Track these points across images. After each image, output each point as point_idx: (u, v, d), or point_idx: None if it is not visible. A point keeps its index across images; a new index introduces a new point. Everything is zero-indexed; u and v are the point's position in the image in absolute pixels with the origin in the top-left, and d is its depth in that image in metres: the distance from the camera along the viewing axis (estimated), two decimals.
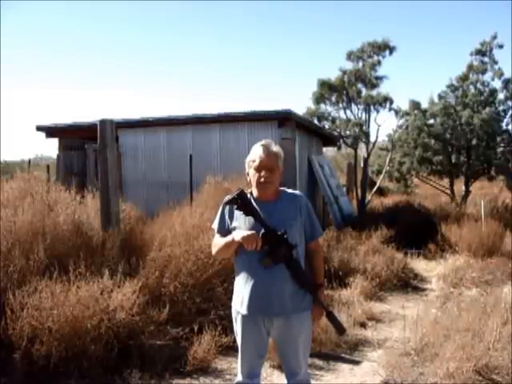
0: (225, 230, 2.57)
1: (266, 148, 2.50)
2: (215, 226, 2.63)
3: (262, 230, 2.41)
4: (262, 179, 2.47)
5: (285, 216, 2.50)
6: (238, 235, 2.43)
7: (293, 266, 2.45)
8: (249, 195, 2.54)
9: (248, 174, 2.57)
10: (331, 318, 2.57)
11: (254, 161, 2.50)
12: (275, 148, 2.54)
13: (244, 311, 2.52)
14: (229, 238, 2.49)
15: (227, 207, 2.57)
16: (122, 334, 3.85)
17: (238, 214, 2.52)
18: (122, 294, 3.91)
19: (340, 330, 2.61)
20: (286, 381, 2.67)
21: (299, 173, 10.30)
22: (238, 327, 2.61)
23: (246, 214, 2.46)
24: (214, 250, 2.63)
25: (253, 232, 2.39)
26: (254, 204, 2.50)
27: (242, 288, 2.54)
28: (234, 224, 2.52)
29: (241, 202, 2.47)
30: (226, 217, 2.57)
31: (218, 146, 9.67)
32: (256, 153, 2.51)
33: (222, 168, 8.90)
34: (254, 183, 2.52)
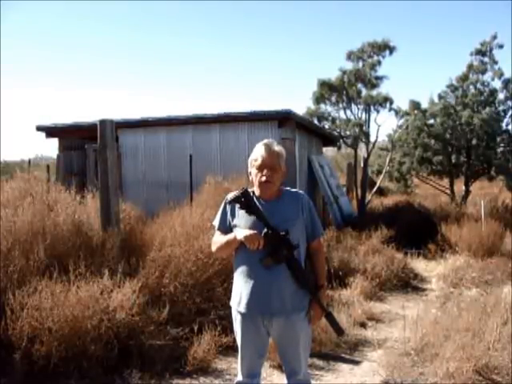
0: (226, 228, 2.57)
1: (268, 147, 2.51)
2: (216, 222, 2.63)
3: (264, 230, 2.41)
4: (264, 178, 2.47)
5: (286, 215, 2.49)
6: (240, 234, 2.43)
7: (294, 267, 2.45)
8: (251, 194, 2.54)
9: (250, 174, 2.57)
10: (330, 319, 2.57)
11: (256, 160, 2.51)
12: (277, 147, 2.55)
13: (243, 310, 2.52)
14: (230, 236, 2.49)
15: (227, 202, 2.58)
16: (122, 334, 3.85)
17: (240, 212, 2.52)
18: (121, 294, 3.91)
19: (339, 331, 2.60)
20: (286, 381, 2.67)
21: (299, 173, 10.30)
22: (237, 327, 2.61)
23: (249, 213, 2.46)
24: (213, 247, 2.63)
25: (255, 231, 2.40)
26: (257, 203, 2.50)
27: (241, 287, 2.54)
28: (236, 222, 2.52)
29: (244, 200, 2.47)
30: (228, 214, 2.57)
31: (218, 146, 9.67)
32: (258, 152, 2.52)
33: (221, 168, 8.89)
34: (255, 182, 2.52)
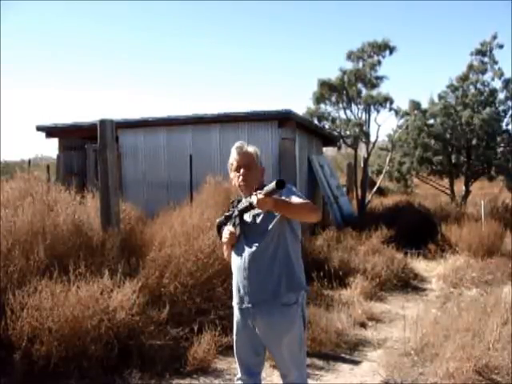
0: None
1: (240, 149, 2.61)
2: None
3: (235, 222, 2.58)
4: (241, 177, 2.57)
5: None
6: (223, 240, 2.64)
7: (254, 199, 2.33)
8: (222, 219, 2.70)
9: (232, 179, 2.67)
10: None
11: (232, 164, 2.63)
12: (250, 148, 2.64)
13: (235, 305, 2.58)
14: (223, 244, 2.69)
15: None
16: (122, 334, 3.85)
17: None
18: (122, 294, 3.91)
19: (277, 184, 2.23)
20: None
21: (299, 173, 10.29)
22: (234, 323, 2.65)
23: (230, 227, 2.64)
24: (224, 254, 2.79)
25: (227, 231, 2.57)
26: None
27: (233, 283, 2.60)
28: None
29: (219, 229, 2.69)
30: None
31: (218, 146, 9.67)
32: (232, 156, 2.63)
33: (221, 168, 8.86)
34: (236, 184, 2.63)
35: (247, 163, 2.58)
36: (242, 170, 2.56)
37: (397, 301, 6.31)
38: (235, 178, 2.61)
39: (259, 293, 2.47)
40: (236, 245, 2.56)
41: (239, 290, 2.54)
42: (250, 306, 2.50)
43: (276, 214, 2.46)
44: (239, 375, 2.65)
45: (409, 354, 4.12)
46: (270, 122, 9.33)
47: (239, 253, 2.54)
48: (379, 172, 14.56)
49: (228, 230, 2.58)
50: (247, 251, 2.50)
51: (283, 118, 9.23)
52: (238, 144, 2.64)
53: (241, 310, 2.55)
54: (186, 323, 4.30)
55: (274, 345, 2.55)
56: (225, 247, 2.67)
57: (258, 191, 2.33)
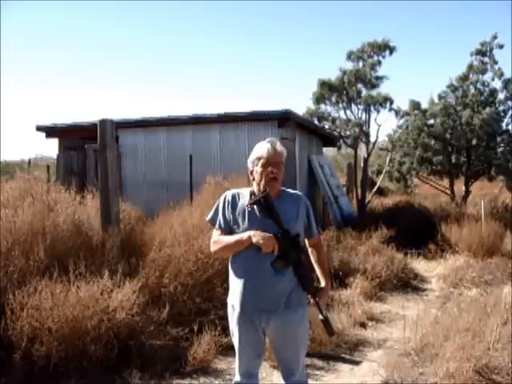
0: (228, 228, 2.51)
1: (273, 145, 2.50)
2: (215, 221, 2.57)
3: (279, 233, 2.39)
4: (271, 175, 2.45)
5: (287, 215, 2.47)
6: (255, 237, 2.37)
7: (301, 271, 2.45)
8: (251, 194, 2.51)
9: (252, 173, 2.53)
10: (325, 322, 2.56)
11: (260, 158, 2.47)
12: (280, 147, 2.55)
13: (242, 309, 2.52)
14: (241, 238, 2.43)
15: (227, 201, 2.54)
16: (122, 334, 3.85)
17: (242, 210, 2.48)
18: (121, 294, 3.91)
19: (330, 332, 2.60)
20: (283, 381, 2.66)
21: (299, 173, 10.29)
22: (233, 326, 2.60)
23: (267, 216, 2.40)
24: (215, 247, 2.56)
25: (270, 235, 2.36)
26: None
27: (239, 285, 2.51)
28: (239, 221, 2.47)
29: (265, 203, 2.39)
30: (228, 213, 2.52)
31: (218, 146, 9.67)
32: (263, 149, 2.49)
33: (222, 168, 8.88)
34: (261, 180, 2.47)
35: (278, 162, 2.49)
36: (270, 168, 2.45)
37: (397, 301, 6.31)
38: (261, 174, 2.46)
39: (274, 297, 2.45)
40: (253, 251, 2.41)
41: (248, 294, 2.47)
42: (261, 308, 2.47)
43: (294, 220, 2.49)
44: (238, 379, 2.64)
45: (409, 354, 4.12)
46: (269, 122, 9.33)
47: (253, 257, 2.42)
48: (379, 172, 14.55)
49: (272, 240, 2.35)
50: (265, 257, 2.40)
51: (283, 118, 9.23)
52: (271, 139, 2.55)
53: (245, 312, 2.50)
54: (185, 323, 4.30)
55: (289, 344, 2.54)
56: (242, 239, 2.41)
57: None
